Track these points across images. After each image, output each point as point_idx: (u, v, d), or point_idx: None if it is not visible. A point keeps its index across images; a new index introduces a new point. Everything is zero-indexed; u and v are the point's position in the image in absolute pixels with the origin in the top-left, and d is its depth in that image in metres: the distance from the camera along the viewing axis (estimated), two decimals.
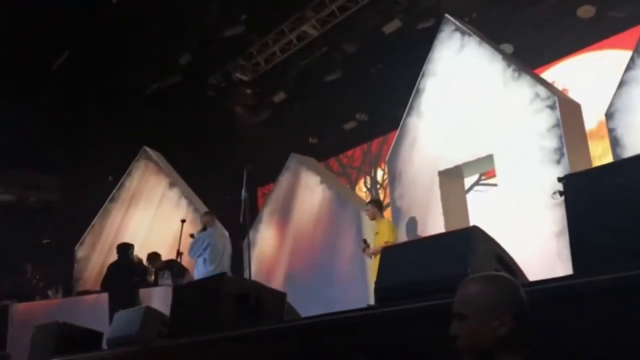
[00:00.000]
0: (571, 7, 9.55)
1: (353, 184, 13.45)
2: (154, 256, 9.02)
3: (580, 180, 2.61)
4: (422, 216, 7.67)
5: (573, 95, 8.15)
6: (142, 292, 8.24)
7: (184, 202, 10.24)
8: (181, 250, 8.37)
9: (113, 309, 7.23)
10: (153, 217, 10.46)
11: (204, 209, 10.14)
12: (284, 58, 12.56)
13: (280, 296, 4.27)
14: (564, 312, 2.20)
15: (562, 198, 2.53)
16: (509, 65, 7.20)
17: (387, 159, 8.56)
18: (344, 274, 8.34)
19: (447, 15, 8.07)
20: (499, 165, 7.07)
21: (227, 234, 8.86)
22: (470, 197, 8.46)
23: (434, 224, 7.45)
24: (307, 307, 4.63)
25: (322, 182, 9.24)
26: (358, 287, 7.83)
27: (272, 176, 10.68)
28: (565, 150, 6.44)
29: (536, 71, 8.40)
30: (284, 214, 9.65)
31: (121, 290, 7.98)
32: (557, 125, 6.56)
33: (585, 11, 9.49)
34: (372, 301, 4.90)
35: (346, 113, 12.88)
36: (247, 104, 13.96)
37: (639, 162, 2.42)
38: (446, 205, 7.54)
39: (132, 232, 10.33)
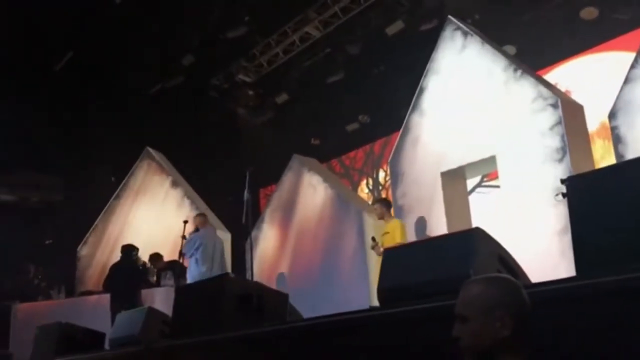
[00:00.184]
0: (574, 9, 9.54)
1: (355, 186, 13.44)
2: (156, 257, 9.05)
3: (583, 182, 2.62)
4: (424, 217, 7.67)
5: (576, 96, 8.14)
6: (145, 292, 8.25)
7: (186, 202, 10.26)
8: (183, 251, 8.39)
9: (115, 309, 7.24)
10: (155, 217, 10.47)
11: (206, 209, 10.17)
12: (286, 59, 12.56)
13: (282, 297, 4.27)
14: (567, 314, 2.20)
15: (565, 199, 2.53)
16: (511, 67, 7.21)
17: (389, 159, 8.56)
18: (346, 275, 8.34)
19: (450, 16, 8.07)
20: (501, 166, 7.07)
21: (219, 236, 8.98)
22: (472, 199, 8.46)
23: (436, 225, 7.45)
24: (309, 308, 4.64)
25: (324, 183, 9.25)
26: (360, 288, 7.82)
27: (274, 177, 10.69)
28: (567, 151, 6.43)
29: (539, 73, 8.39)
30: (286, 215, 9.65)
31: (123, 291, 8.00)
32: (559, 126, 6.56)
33: (589, 13, 9.48)
34: (374, 302, 4.89)
35: (348, 114, 12.87)
36: (249, 105, 13.96)
37: None
38: (448, 206, 7.54)
39: (135, 232, 10.34)
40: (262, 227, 9.89)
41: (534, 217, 6.49)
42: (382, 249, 6.93)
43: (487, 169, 7.92)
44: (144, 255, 8.94)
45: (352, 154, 13.80)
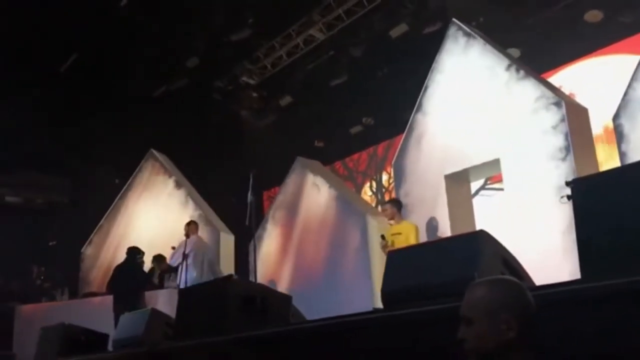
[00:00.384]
0: (579, 12, 9.54)
1: (359, 188, 13.44)
2: (159, 258, 9.05)
3: (588, 185, 2.61)
4: (428, 219, 7.66)
5: (580, 99, 8.13)
6: (148, 294, 8.27)
7: (190, 204, 10.26)
8: (186, 252, 8.42)
9: (118, 311, 7.25)
10: (159, 219, 10.48)
11: (210, 211, 10.19)
12: (290, 62, 12.57)
13: (285, 299, 4.27)
14: (572, 316, 2.19)
15: (570, 201, 2.53)
16: (515, 70, 7.20)
17: (393, 161, 8.55)
18: (349, 277, 8.33)
19: (454, 19, 8.07)
20: (505, 169, 7.06)
21: (208, 243, 9.23)
22: (476, 201, 8.44)
23: (440, 228, 7.44)
24: (312, 310, 4.63)
25: (327, 185, 9.24)
26: (363, 291, 7.81)
27: (277, 179, 10.68)
28: (572, 154, 6.43)
29: (543, 75, 8.38)
30: (290, 218, 9.64)
31: (126, 292, 8.01)
32: (564, 129, 6.55)
33: (593, 16, 9.47)
34: (377, 304, 4.89)
35: (352, 117, 12.88)
36: (253, 107, 13.98)
37: None
38: (452, 209, 7.53)
39: (138, 234, 10.35)
40: (265, 229, 9.89)
41: (537, 219, 6.48)
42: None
43: (491, 171, 7.90)
44: (147, 256, 8.93)
45: (355, 156, 13.80)
